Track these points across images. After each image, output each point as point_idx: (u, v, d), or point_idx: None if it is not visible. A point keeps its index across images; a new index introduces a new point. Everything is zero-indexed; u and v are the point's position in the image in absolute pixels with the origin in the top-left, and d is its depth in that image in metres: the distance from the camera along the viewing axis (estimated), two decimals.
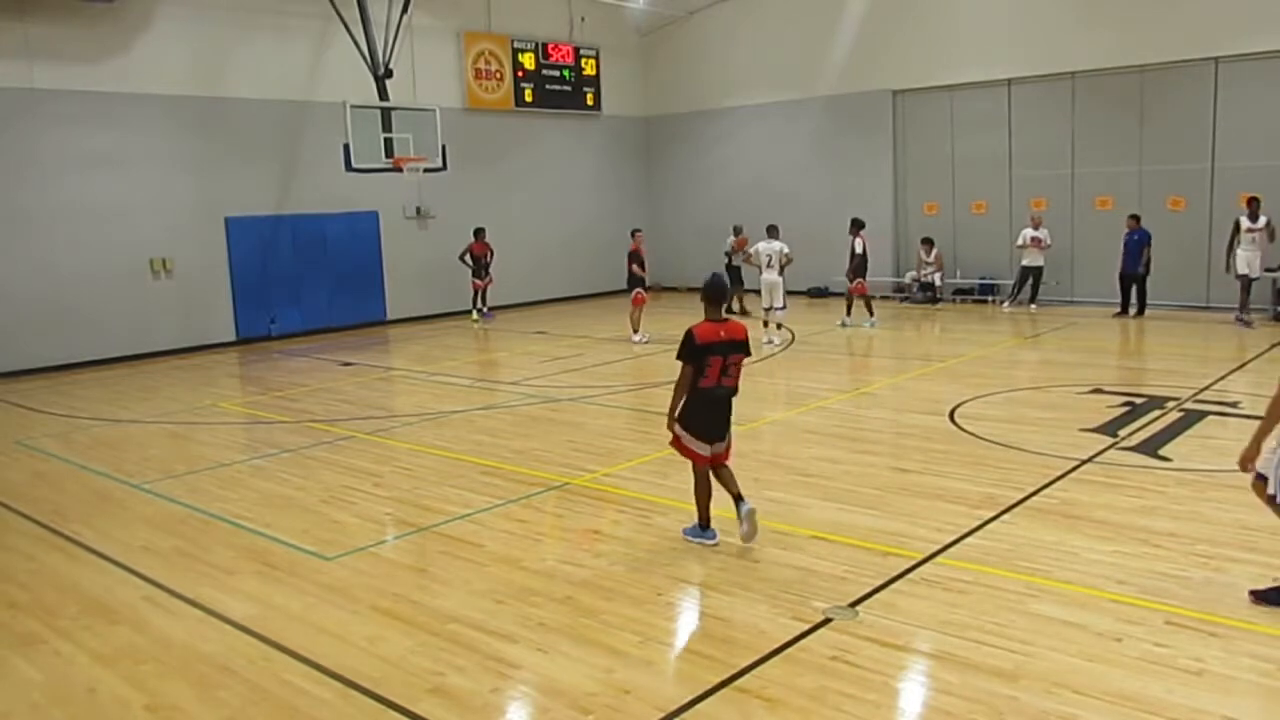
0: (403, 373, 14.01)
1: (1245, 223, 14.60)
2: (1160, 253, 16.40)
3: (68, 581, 6.18)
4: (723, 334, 6.08)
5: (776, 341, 14.63)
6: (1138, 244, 16.16)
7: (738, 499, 6.14)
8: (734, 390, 6.23)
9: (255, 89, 16.78)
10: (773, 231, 15.09)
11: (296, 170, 17.44)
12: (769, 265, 14.69)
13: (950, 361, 13.10)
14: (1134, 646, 4.63)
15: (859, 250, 16.02)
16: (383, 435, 9.92)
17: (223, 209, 16.57)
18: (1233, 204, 15.80)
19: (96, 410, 11.84)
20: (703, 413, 6.16)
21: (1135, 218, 16.27)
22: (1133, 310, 16.28)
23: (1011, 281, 18.16)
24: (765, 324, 14.96)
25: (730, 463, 6.34)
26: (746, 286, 17.65)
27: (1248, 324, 14.60)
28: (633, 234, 16.06)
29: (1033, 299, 17.66)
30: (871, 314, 16.28)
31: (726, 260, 18.11)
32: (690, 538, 6.33)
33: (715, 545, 6.21)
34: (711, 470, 6.24)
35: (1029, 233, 17.32)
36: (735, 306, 17.71)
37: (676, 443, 6.28)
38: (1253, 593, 5.10)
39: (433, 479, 8.14)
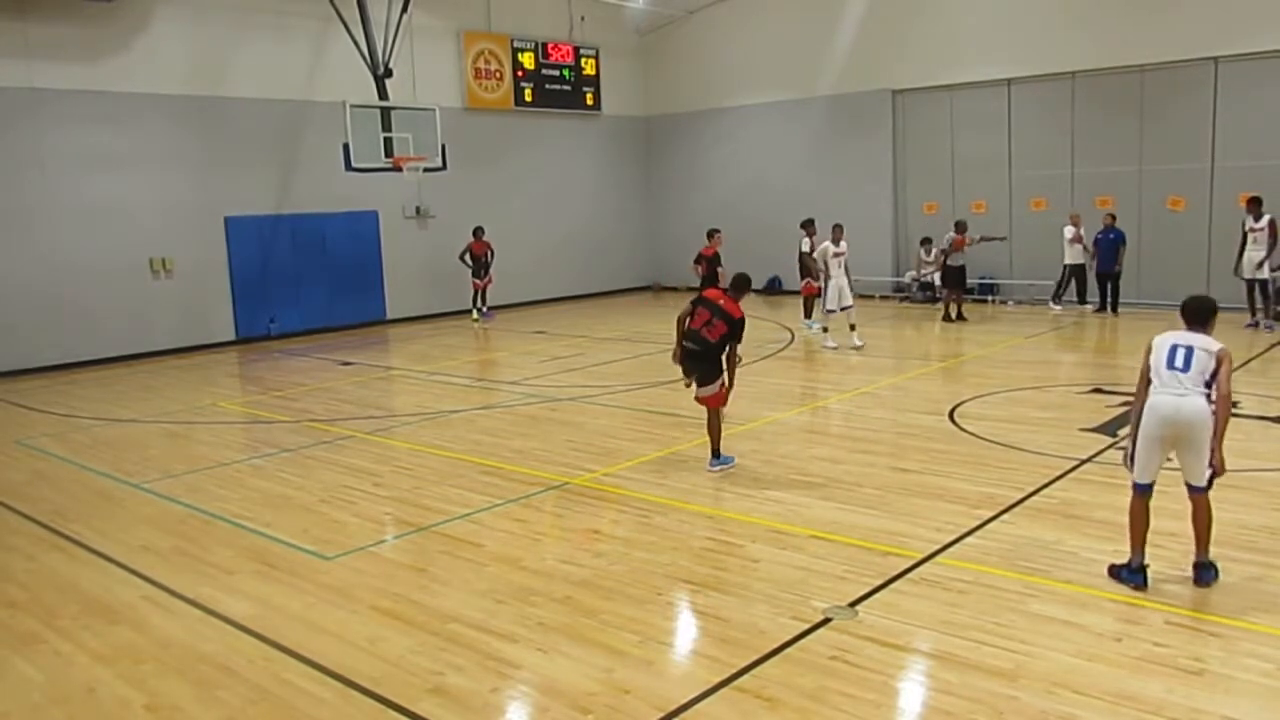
0: (402, 372, 14.00)
1: (1249, 222, 14.33)
2: (1160, 252, 16.41)
3: (68, 581, 6.18)
4: (721, 302, 7.81)
5: (831, 344, 14.06)
6: (1113, 243, 16.27)
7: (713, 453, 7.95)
8: (704, 343, 7.73)
9: (255, 89, 16.78)
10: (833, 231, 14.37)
11: (296, 170, 17.44)
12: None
13: (950, 361, 13.11)
14: (1134, 646, 4.63)
15: (805, 249, 15.84)
16: (382, 435, 9.92)
17: (223, 209, 16.57)
18: (1233, 204, 15.81)
19: (96, 410, 11.83)
20: (683, 350, 7.88)
21: (1111, 216, 16.45)
22: (1092, 305, 16.67)
23: (1055, 281, 17.67)
24: (825, 329, 14.48)
25: (724, 410, 8.01)
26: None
27: (1256, 326, 14.09)
28: (710, 235, 15.12)
29: (1081, 298, 17.15)
30: (809, 316, 16.09)
31: (942, 258, 17.00)
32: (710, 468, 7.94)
33: (724, 467, 7.88)
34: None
35: (1070, 230, 16.93)
36: (952, 313, 16.58)
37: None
38: (1110, 567, 5.51)
39: (433, 479, 8.14)
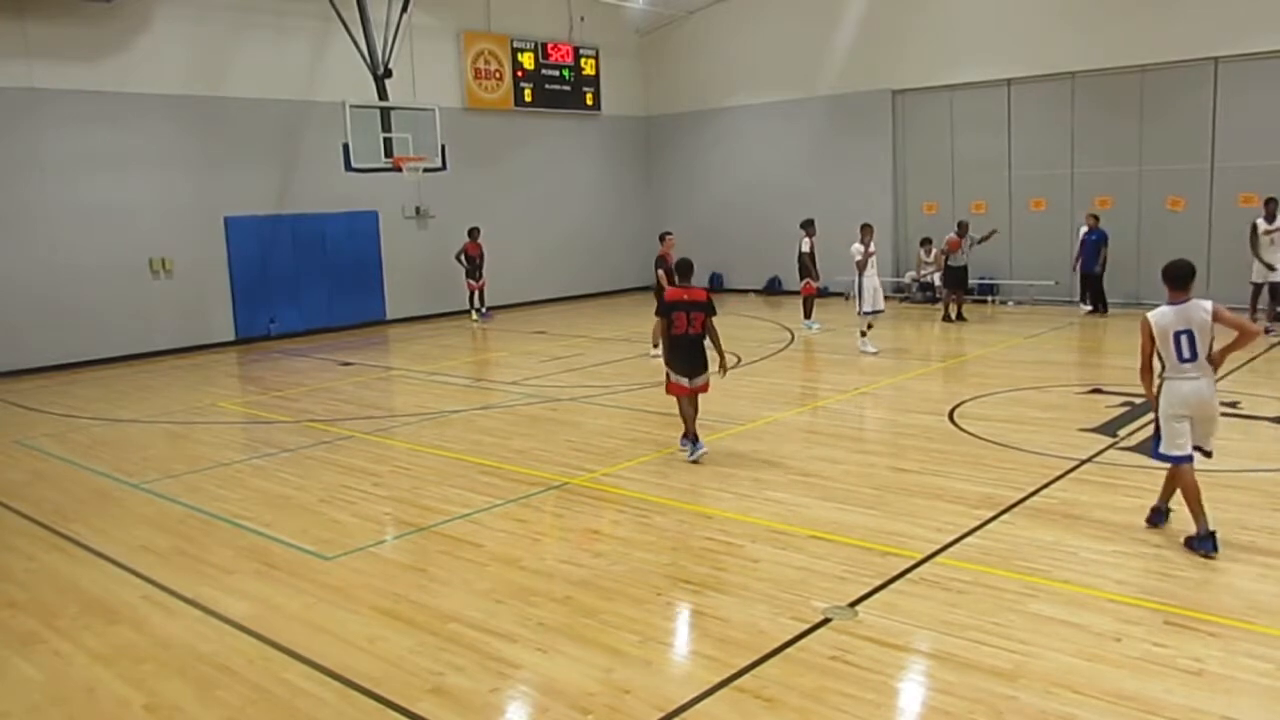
0: (402, 372, 14.00)
1: (1262, 224, 14.06)
2: (1159, 253, 16.30)
3: (67, 581, 6.18)
4: (685, 296, 8.17)
5: (872, 349, 13.52)
6: (1095, 244, 16.22)
7: (694, 438, 8.24)
8: (700, 336, 8.16)
9: (255, 89, 16.78)
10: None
11: (296, 170, 17.43)
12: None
13: (950, 361, 13.10)
14: (1133, 646, 4.63)
15: (804, 250, 15.70)
16: (382, 435, 9.92)
17: (223, 209, 16.56)
18: (1233, 204, 15.81)
19: (96, 410, 11.83)
20: (678, 355, 8.20)
21: (1094, 217, 16.43)
22: (1082, 308, 16.63)
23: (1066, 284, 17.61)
24: (863, 332, 13.74)
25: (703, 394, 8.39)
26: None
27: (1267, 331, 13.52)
28: (662, 237, 15.02)
29: (1083, 298, 17.06)
30: (809, 316, 15.97)
31: (943, 259, 16.91)
32: (682, 448, 8.36)
33: (702, 453, 8.16)
34: (691, 400, 8.29)
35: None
36: (952, 313, 16.53)
37: (666, 381, 8.36)
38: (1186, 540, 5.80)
39: (432, 479, 8.14)
